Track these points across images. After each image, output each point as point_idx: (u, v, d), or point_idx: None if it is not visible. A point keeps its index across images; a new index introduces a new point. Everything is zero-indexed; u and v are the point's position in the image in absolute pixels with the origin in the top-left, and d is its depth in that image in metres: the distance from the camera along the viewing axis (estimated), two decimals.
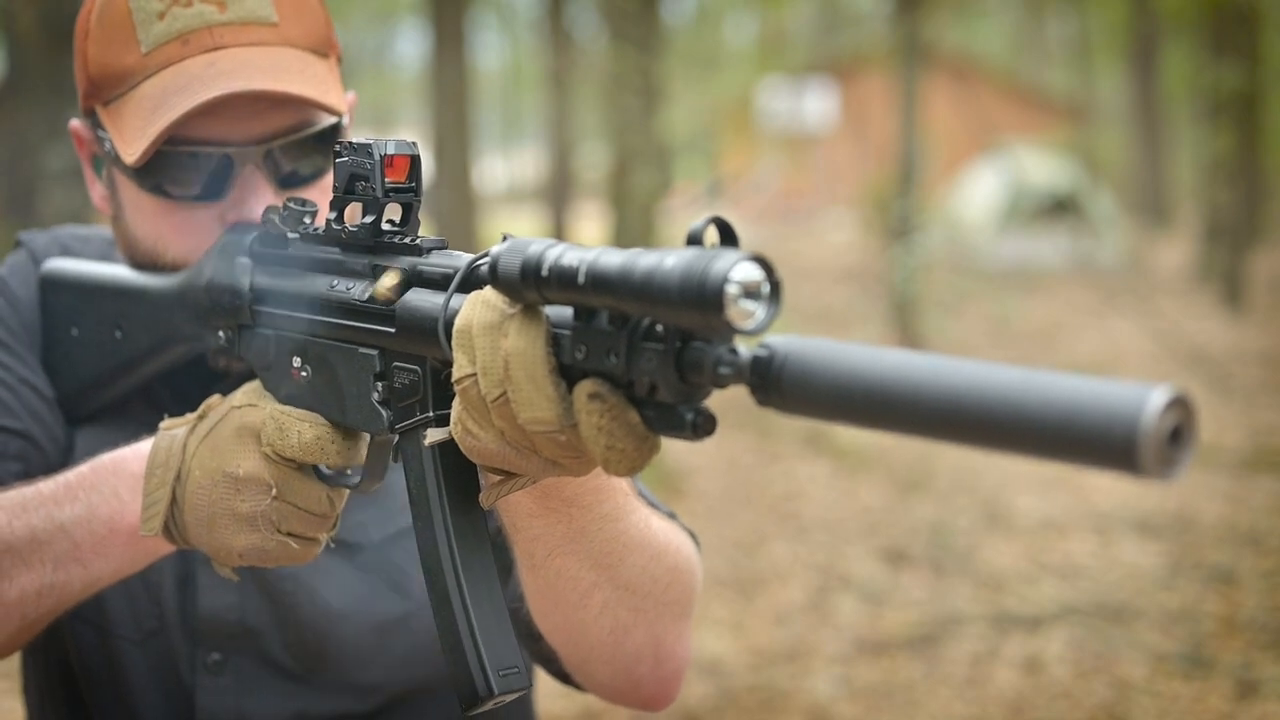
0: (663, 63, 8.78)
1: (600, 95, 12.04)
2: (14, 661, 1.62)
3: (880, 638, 5.26)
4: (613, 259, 0.89)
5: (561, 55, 15.82)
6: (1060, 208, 17.89)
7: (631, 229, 7.90)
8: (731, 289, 0.82)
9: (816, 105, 26.19)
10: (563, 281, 0.92)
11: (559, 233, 15.84)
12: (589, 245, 0.94)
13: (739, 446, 8.34)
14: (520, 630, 1.40)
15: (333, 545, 1.30)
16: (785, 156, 27.22)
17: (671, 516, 1.42)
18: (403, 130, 34.58)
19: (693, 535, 1.43)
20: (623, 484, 1.23)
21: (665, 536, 1.32)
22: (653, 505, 1.41)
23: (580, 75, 15.89)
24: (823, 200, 27.29)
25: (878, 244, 15.91)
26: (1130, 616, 5.40)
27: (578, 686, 1.43)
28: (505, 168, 43.12)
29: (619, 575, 1.26)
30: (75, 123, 1.49)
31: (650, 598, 1.30)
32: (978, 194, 19.37)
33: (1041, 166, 18.67)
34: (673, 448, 7.96)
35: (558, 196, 16.74)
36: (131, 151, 1.34)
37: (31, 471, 1.43)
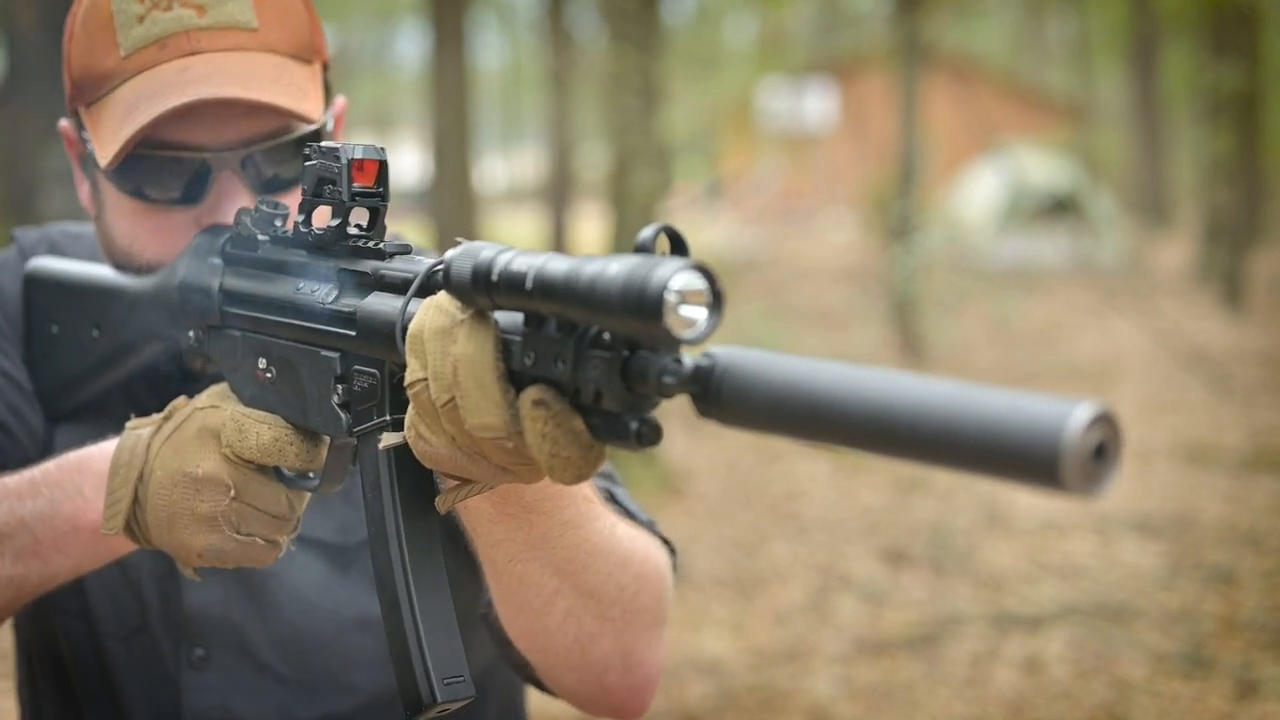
0: (663, 63, 8.77)
1: (600, 95, 12.05)
2: (11, 661, 1.63)
3: (880, 638, 5.26)
4: (559, 265, 0.89)
5: (561, 55, 15.81)
6: (1060, 208, 17.90)
7: (631, 229, 7.89)
8: (671, 297, 0.82)
9: (816, 105, 26.20)
10: (511, 287, 0.92)
11: (559, 233, 15.83)
12: (541, 251, 0.94)
13: (739, 446, 8.34)
14: (493, 636, 1.40)
15: (293, 548, 1.31)
16: (785, 156, 27.22)
17: (649, 525, 1.42)
18: (403, 130, 34.61)
19: (668, 544, 1.43)
20: (585, 490, 1.23)
21: (632, 544, 1.32)
22: (629, 514, 1.40)
23: (580, 75, 15.89)
24: (823, 200, 27.29)
25: (878, 244, 15.92)
26: (1130, 616, 5.40)
27: (552, 693, 1.43)
28: (505, 168, 43.10)
29: (582, 582, 1.26)
30: (64, 123, 1.50)
31: (616, 605, 1.30)
32: (978, 194, 19.38)
33: (1041, 166, 18.67)
34: (672, 449, 7.96)
35: (558, 196, 16.72)
36: (105, 154, 1.35)
37: (6, 464, 1.44)
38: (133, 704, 1.51)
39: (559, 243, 15.49)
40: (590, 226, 18.06)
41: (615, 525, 1.29)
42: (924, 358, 11.36)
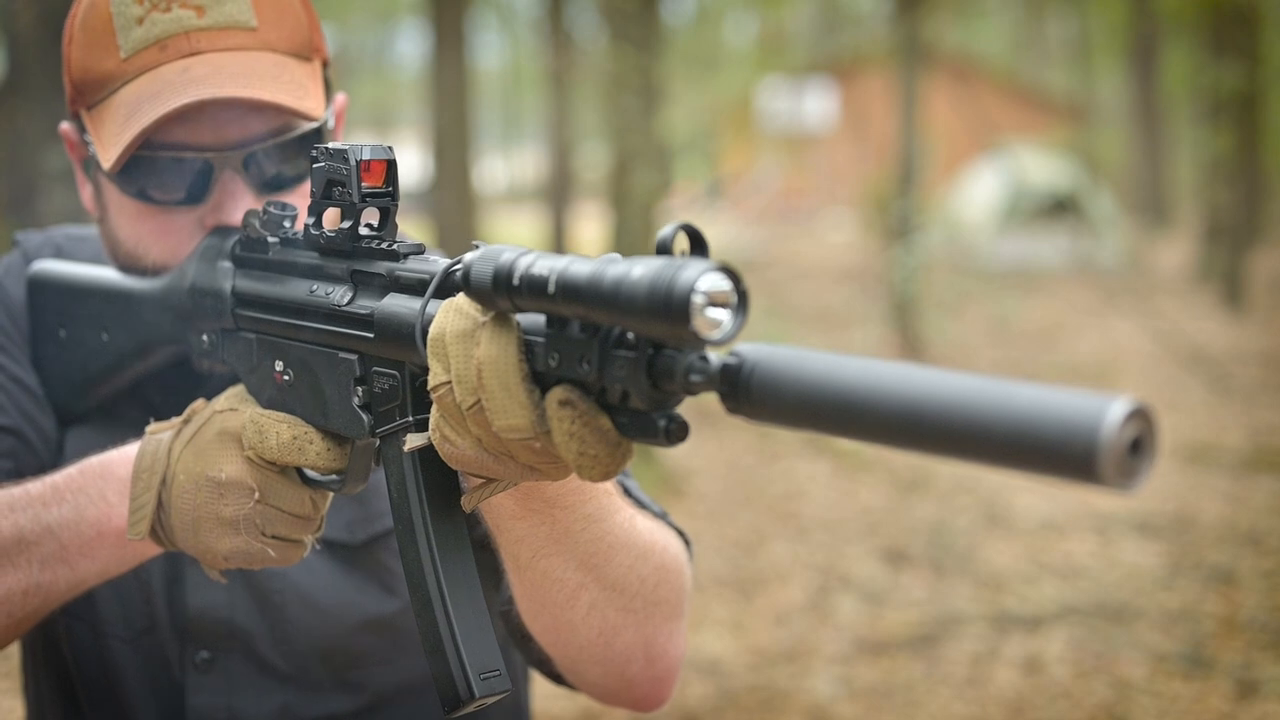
0: (663, 63, 8.77)
1: (600, 95, 12.05)
2: (15, 661, 1.63)
3: (880, 638, 5.26)
4: (582, 268, 0.89)
5: (561, 55, 15.80)
6: (1060, 208, 17.91)
7: (631, 229, 7.89)
8: (698, 299, 0.82)
9: (816, 105, 26.20)
10: (533, 290, 0.92)
11: (559, 233, 15.83)
12: (562, 254, 0.94)
13: (739, 446, 8.35)
14: (513, 632, 1.40)
15: (318, 547, 1.30)
16: (785, 156, 27.21)
17: (662, 516, 1.42)
18: (403, 130, 34.61)
19: (683, 535, 1.43)
20: (606, 485, 1.23)
21: (651, 536, 1.32)
22: (642, 505, 1.41)
23: (580, 75, 15.88)
24: (823, 200, 27.30)
25: (878, 244, 15.92)
26: (1130, 616, 5.40)
27: (572, 687, 1.43)
28: (505, 168, 43.11)
29: (605, 575, 1.26)
30: (65, 125, 1.50)
31: (638, 597, 1.30)
32: (978, 194, 19.38)
33: (1041, 166, 18.68)
34: (673, 448, 7.95)
35: (558, 196, 16.71)
36: (108, 157, 1.35)
37: (22, 469, 1.44)
38: (137, 705, 1.51)
39: (559, 243, 15.49)
40: (590, 226, 18.06)
41: (634, 518, 1.29)
42: (924, 358, 11.36)
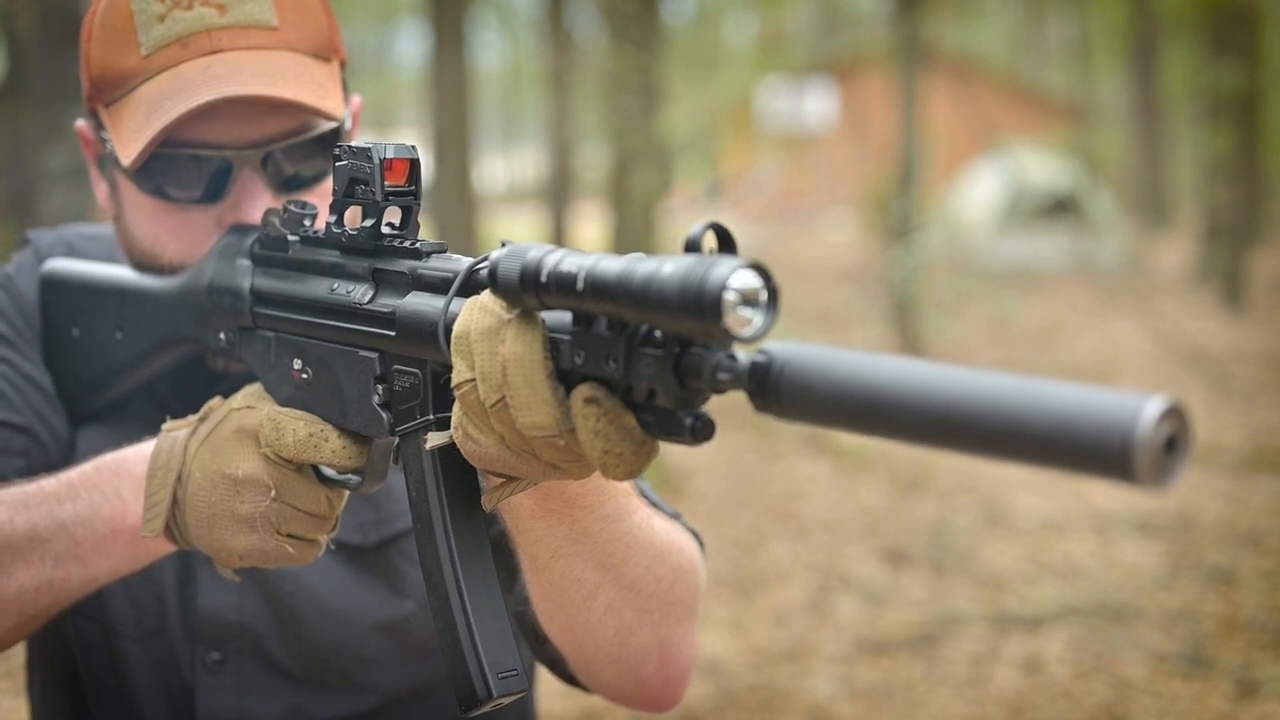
0: (663, 63, 8.78)
1: (600, 95, 12.05)
2: (17, 661, 1.63)
3: (880, 638, 5.26)
4: (612, 266, 0.89)
5: (561, 55, 15.81)
6: (1060, 208, 17.91)
7: (631, 229, 7.89)
8: (730, 296, 0.82)
9: (816, 105, 26.21)
10: (561, 288, 0.92)
11: (559, 233, 15.85)
12: (588, 251, 0.94)
13: (739, 446, 8.35)
14: (527, 633, 1.40)
15: (333, 547, 1.30)
16: (785, 156, 27.22)
17: (676, 517, 1.43)
18: (403, 130, 34.62)
19: (696, 535, 1.44)
20: (624, 485, 1.23)
21: (668, 537, 1.32)
22: (656, 506, 1.41)
23: (580, 75, 15.89)
24: (823, 200, 27.31)
25: (878, 244, 15.92)
26: (1130, 616, 5.40)
27: (584, 688, 1.43)
28: (505, 168, 43.13)
29: (623, 576, 1.26)
30: (81, 123, 1.50)
31: (654, 598, 1.30)
32: (978, 194, 19.38)
33: (1041, 166, 18.68)
34: (673, 448, 7.95)
35: (558, 196, 16.72)
36: (128, 154, 1.35)
37: (34, 468, 1.44)
38: (146, 706, 1.51)
39: (559, 243, 15.49)
40: (590, 226, 18.07)
41: (651, 518, 1.29)
42: (924, 358, 11.33)
